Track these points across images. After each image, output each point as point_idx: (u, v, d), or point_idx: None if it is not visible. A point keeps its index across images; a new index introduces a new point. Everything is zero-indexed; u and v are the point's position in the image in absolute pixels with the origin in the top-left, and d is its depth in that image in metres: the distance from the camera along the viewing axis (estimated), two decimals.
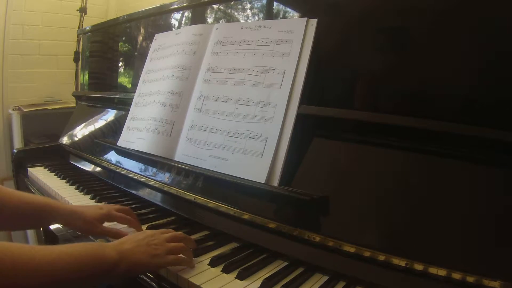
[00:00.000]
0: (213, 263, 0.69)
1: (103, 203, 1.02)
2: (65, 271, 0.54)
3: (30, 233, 2.17)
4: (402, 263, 0.58)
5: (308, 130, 0.77)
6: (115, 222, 0.83)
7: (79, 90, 1.91)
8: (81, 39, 1.95)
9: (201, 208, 0.86)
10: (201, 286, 0.62)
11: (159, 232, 0.70)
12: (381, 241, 0.62)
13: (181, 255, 0.67)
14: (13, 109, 2.40)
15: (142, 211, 0.96)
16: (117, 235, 0.77)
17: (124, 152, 1.13)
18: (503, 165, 0.56)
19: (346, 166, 0.72)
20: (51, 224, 0.90)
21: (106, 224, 0.82)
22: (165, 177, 0.96)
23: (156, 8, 1.29)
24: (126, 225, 0.83)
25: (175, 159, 0.95)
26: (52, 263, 0.54)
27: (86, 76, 1.74)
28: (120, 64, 1.54)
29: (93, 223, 0.79)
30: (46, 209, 0.78)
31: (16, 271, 0.49)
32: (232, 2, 1.04)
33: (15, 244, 0.53)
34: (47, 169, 1.40)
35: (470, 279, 0.53)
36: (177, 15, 1.25)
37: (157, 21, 1.33)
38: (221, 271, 0.67)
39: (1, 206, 0.74)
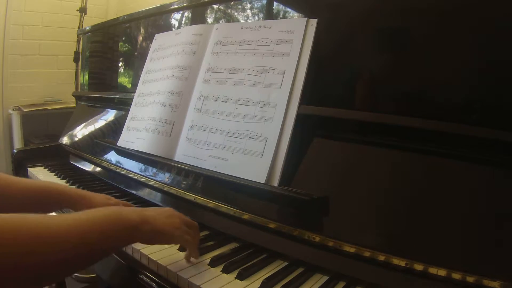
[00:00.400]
0: (213, 263, 0.69)
1: None
2: (91, 233, 0.52)
3: None
4: (402, 263, 0.58)
5: (308, 130, 0.77)
6: None
7: (79, 90, 1.91)
8: (81, 39, 1.95)
9: (201, 208, 0.86)
10: (201, 286, 0.62)
11: (177, 213, 0.70)
12: (381, 241, 0.62)
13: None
14: (13, 109, 2.40)
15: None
16: None
17: (124, 152, 1.13)
18: (503, 165, 0.56)
19: (346, 166, 0.72)
20: (59, 209, 0.89)
21: None
22: (165, 177, 0.96)
23: (156, 8, 1.29)
24: None
25: (175, 159, 0.95)
26: (78, 227, 0.52)
27: (86, 76, 1.74)
28: (120, 64, 1.54)
29: None
30: (53, 194, 0.79)
31: (33, 238, 0.46)
32: (232, 2, 1.04)
33: (31, 216, 0.50)
34: (47, 169, 1.40)
35: (470, 279, 0.53)
36: (177, 15, 1.25)
37: (157, 21, 1.33)
38: (221, 271, 0.67)
39: (8, 193, 0.74)
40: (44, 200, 0.78)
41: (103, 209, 0.59)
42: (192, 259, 0.70)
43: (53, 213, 0.85)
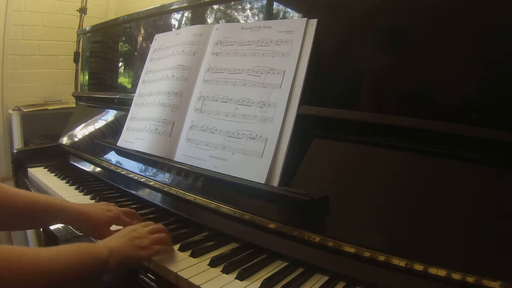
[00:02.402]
0: (213, 263, 0.69)
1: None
2: (66, 270, 0.57)
3: (30, 233, 2.17)
4: (402, 263, 0.58)
5: (308, 131, 0.77)
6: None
7: (79, 90, 1.91)
8: (81, 39, 1.95)
9: (201, 209, 0.86)
10: (201, 286, 0.62)
11: (140, 225, 0.74)
12: (381, 241, 0.62)
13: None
14: (13, 110, 2.40)
15: (142, 212, 0.96)
16: None
17: (124, 153, 1.13)
18: (503, 165, 0.56)
19: (346, 167, 0.72)
20: (56, 224, 0.89)
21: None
22: (165, 177, 0.96)
23: (156, 8, 1.29)
24: None
25: (175, 160, 0.95)
26: (54, 264, 0.56)
27: (86, 77, 1.74)
28: (120, 65, 1.54)
29: (103, 227, 0.78)
30: (51, 209, 0.77)
31: (23, 274, 0.52)
32: (232, 2, 1.04)
33: (18, 247, 0.55)
34: (47, 169, 1.40)
35: (470, 279, 0.53)
36: (177, 16, 1.25)
37: (157, 21, 1.33)
38: (221, 271, 0.67)
39: (8, 206, 0.73)
40: (43, 214, 0.77)
41: (77, 246, 0.65)
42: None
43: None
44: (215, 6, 1.09)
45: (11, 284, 0.50)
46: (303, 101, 0.78)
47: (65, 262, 0.57)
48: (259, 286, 0.62)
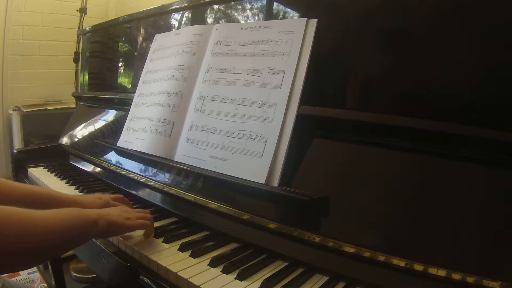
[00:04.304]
0: (213, 263, 0.69)
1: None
2: (60, 229, 0.63)
3: None
4: (402, 263, 0.58)
5: (308, 131, 0.77)
6: None
7: (79, 90, 1.91)
8: (81, 39, 1.95)
9: (201, 209, 0.86)
10: (201, 286, 0.62)
11: (128, 206, 0.85)
12: (381, 241, 0.62)
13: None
14: (13, 110, 2.40)
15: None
16: None
17: (124, 153, 1.13)
18: (503, 165, 0.56)
19: (346, 167, 0.72)
20: None
21: None
22: (165, 177, 0.96)
23: (156, 8, 1.29)
24: None
25: (175, 160, 0.95)
26: (50, 222, 0.62)
27: (86, 77, 1.74)
28: (120, 65, 1.54)
29: None
30: (49, 200, 0.81)
31: (23, 232, 0.57)
32: (232, 2, 1.04)
33: (17, 208, 0.60)
34: (47, 169, 1.40)
35: (470, 279, 0.53)
36: (177, 16, 1.25)
37: (157, 21, 1.33)
38: (221, 271, 0.67)
39: (6, 198, 0.76)
40: (39, 205, 0.79)
41: (70, 209, 0.72)
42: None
43: None
44: (215, 6, 1.09)
45: (11, 239, 0.54)
46: (303, 101, 0.78)
47: (60, 220, 0.64)
48: (259, 286, 0.62)
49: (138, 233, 0.81)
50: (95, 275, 1.71)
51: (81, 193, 1.12)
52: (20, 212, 0.59)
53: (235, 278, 0.64)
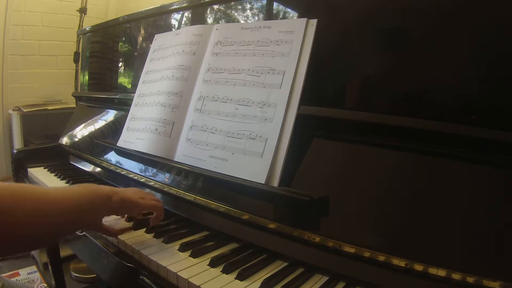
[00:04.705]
0: (213, 263, 0.69)
1: None
2: (76, 203, 0.64)
3: None
4: (402, 263, 0.58)
5: (308, 131, 0.77)
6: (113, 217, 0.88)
7: (79, 90, 1.91)
8: (81, 39, 1.95)
9: (201, 209, 0.86)
10: (201, 286, 0.62)
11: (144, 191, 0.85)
12: (381, 241, 0.62)
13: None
14: (13, 110, 2.40)
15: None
16: (115, 234, 0.79)
17: (124, 153, 1.13)
18: (503, 165, 0.56)
19: (346, 167, 0.72)
20: None
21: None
22: (165, 177, 0.96)
23: (156, 8, 1.29)
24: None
25: (175, 160, 0.95)
26: (64, 196, 0.63)
27: (86, 77, 1.74)
28: (120, 65, 1.54)
29: None
30: None
31: (38, 208, 0.57)
32: (232, 2, 1.04)
33: (29, 185, 0.62)
34: (47, 169, 1.40)
35: (470, 279, 0.53)
36: (177, 16, 1.25)
37: (157, 21, 1.33)
38: (221, 271, 0.67)
39: None
40: None
41: (85, 185, 0.73)
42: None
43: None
44: (215, 6, 1.09)
45: (23, 218, 0.54)
46: (303, 101, 0.78)
47: (77, 197, 0.65)
48: (259, 286, 0.62)
49: (139, 233, 0.81)
50: (95, 275, 1.71)
51: None
52: (32, 189, 0.58)
53: (235, 278, 0.64)
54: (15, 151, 1.51)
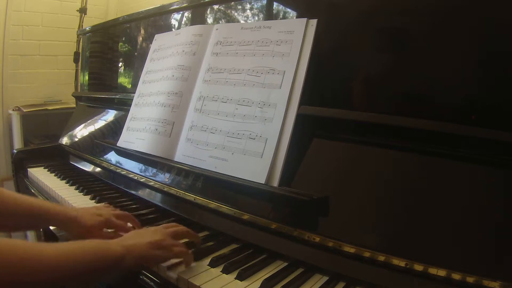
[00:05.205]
0: (213, 263, 0.69)
1: (103, 203, 1.01)
2: (71, 266, 0.55)
3: (30, 232, 2.17)
4: (402, 263, 0.58)
5: (308, 131, 0.77)
6: None
7: (79, 90, 1.92)
8: (81, 39, 1.95)
9: (201, 209, 0.86)
10: (201, 286, 0.62)
11: (161, 227, 0.71)
12: (381, 241, 0.62)
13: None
14: (13, 110, 2.40)
15: (142, 212, 0.96)
16: None
17: (124, 153, 1.13)
18: (503, 165, 0.56)
19: (346, 167, 0.72)
20: (49, 226, 0.89)
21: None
22: (165, 177, 0.96)
23: (156, 8, 1.29)
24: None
25: (175, 160, 0.95)
26: (59, 259, 0.54)
27: (86, 77, 1.74)
28: (120, 65, 1.54)
29: (91, 231, 0.76)
30: (42, 214, 0.76)
31: (23, 268, 0.50)
32: (232, 2, 1.04)
33: (21, 241, 0.53)
34: (47, 169, 1.39)
35: (470, 279, 0.53)
36: (177, 16, 1.25)
37: (157, 21, 1.33)
38: (221, 271, 0.67)
39: (2, 210, 0.71)
40: (36, 219, 0.76)
41: (90, 243, 0.62)
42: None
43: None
44: (215, 6, 1.09)
45: (12, 276, 0.49)
46: (303, 101, 0.78)
47: (72, 259, 0.55)
48: (259, 286, 0.62)
49: None
50: None
51: (81, 193, 1.12)
52: (17, 247, 0.51)
53: (235, 278, 0.64)
54: (15, 151, 1.51)
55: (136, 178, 1.06)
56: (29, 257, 0.51)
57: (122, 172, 1.12)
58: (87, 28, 1.72)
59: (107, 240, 0.65)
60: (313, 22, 0.80)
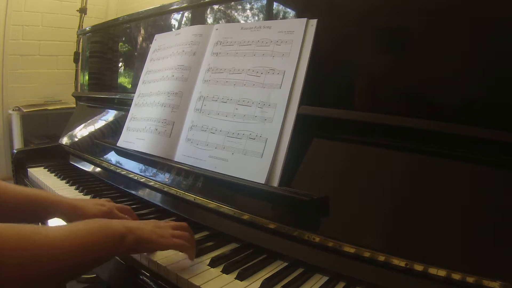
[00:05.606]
0: (213, 263, 0.69)
1: (105, 198, 1.00)
2: (77, 245, 0.55)
3: None
4: (402, 263, 0.58)
5: (308, 131, 0.77)
6: None
7: (79, 90, 1.92)
8: (81, 39, 1.95)
9: (201, 209, 0.86)
10: (201, 286, 0.62)
11: (163, 221, 0.73)
12: (381, 241, 0.62)
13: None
14: (13, 110, 2.41)
15: (142, 212, 0.96)
16: None
17: (124, 153, 1.13)
18: (503, 165, 0.56)
19: (346, 167, 0.72)
20: (50, 219, 0.89)
21: None
22: (165, 177, 0.96)
23: (156, 8, 1.29)
24: None
25: (175, 160, 0.95)
26: (64, 239, 0.54)
27: (86, 77, 1.74)
28: (120, 65, 1.54)
29: None
30: (45, 203, 0.77)
31: (30, 250, 0.50)
32: (232, 2, 1.04)
33: (27, 226, 0.53)
34: (47, 169, 1.40)
35: (470, 279, 0.53)
36: (177, 16, 1.25)
37: (157, 21, 1.33)
38: (221, 271, 0.67)
39: (3, 200, 0.72)
40: (37, 209, 0.77)
41: (93, 222, 0.62)
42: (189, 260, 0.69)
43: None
44: (215, 6, 1.09)
45: (21, 265, 0.48)
46: (303, 101, 0.78)
47: (80, 237, 0.56)
48: (259, 286, 0.62)
49: None
50: (95, 275, 1.71)
51: (81, 193, 1.12)
52: (29, 233, 0.50)
53: (235, 278, 0.64)
54: (15, 151, 1.51)
55: (136, 178, 1.06)
56: (33, 243, 0.50)
57: (122, 172, 1.12)
58: (87, 28, 1.72)
59: (108, 219, 0.66)
60: (313, 22, 0.80)
